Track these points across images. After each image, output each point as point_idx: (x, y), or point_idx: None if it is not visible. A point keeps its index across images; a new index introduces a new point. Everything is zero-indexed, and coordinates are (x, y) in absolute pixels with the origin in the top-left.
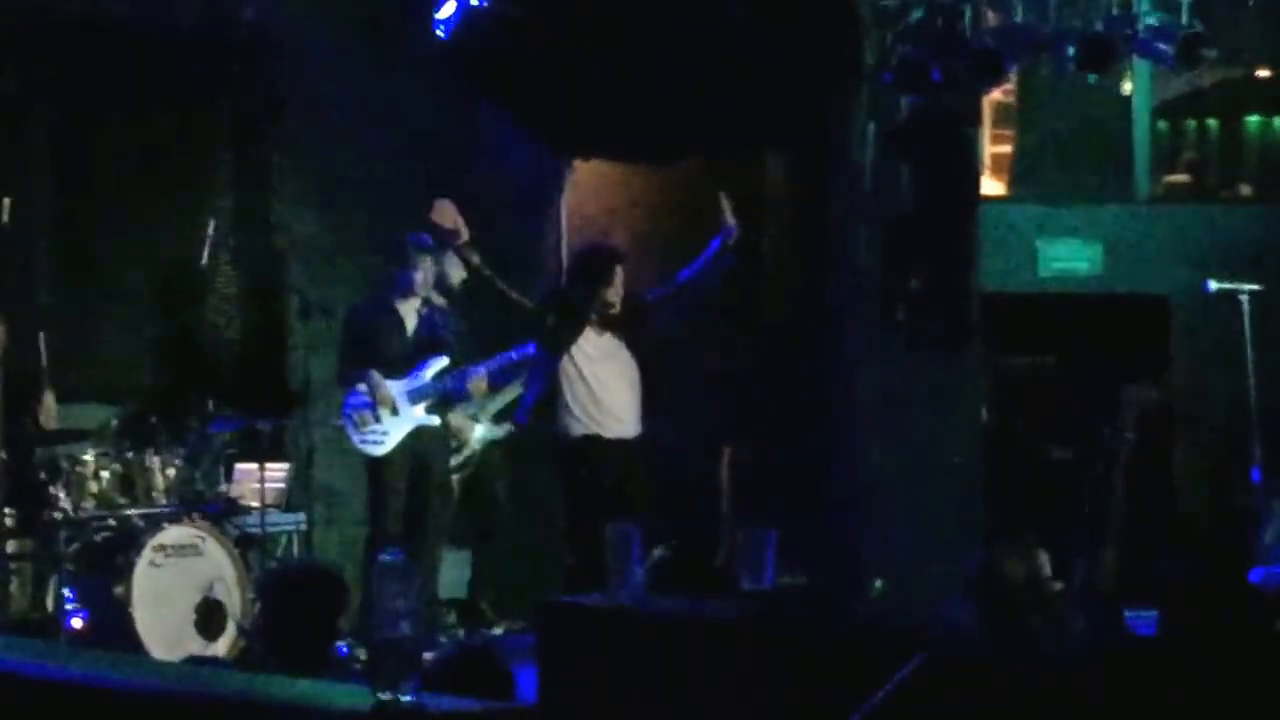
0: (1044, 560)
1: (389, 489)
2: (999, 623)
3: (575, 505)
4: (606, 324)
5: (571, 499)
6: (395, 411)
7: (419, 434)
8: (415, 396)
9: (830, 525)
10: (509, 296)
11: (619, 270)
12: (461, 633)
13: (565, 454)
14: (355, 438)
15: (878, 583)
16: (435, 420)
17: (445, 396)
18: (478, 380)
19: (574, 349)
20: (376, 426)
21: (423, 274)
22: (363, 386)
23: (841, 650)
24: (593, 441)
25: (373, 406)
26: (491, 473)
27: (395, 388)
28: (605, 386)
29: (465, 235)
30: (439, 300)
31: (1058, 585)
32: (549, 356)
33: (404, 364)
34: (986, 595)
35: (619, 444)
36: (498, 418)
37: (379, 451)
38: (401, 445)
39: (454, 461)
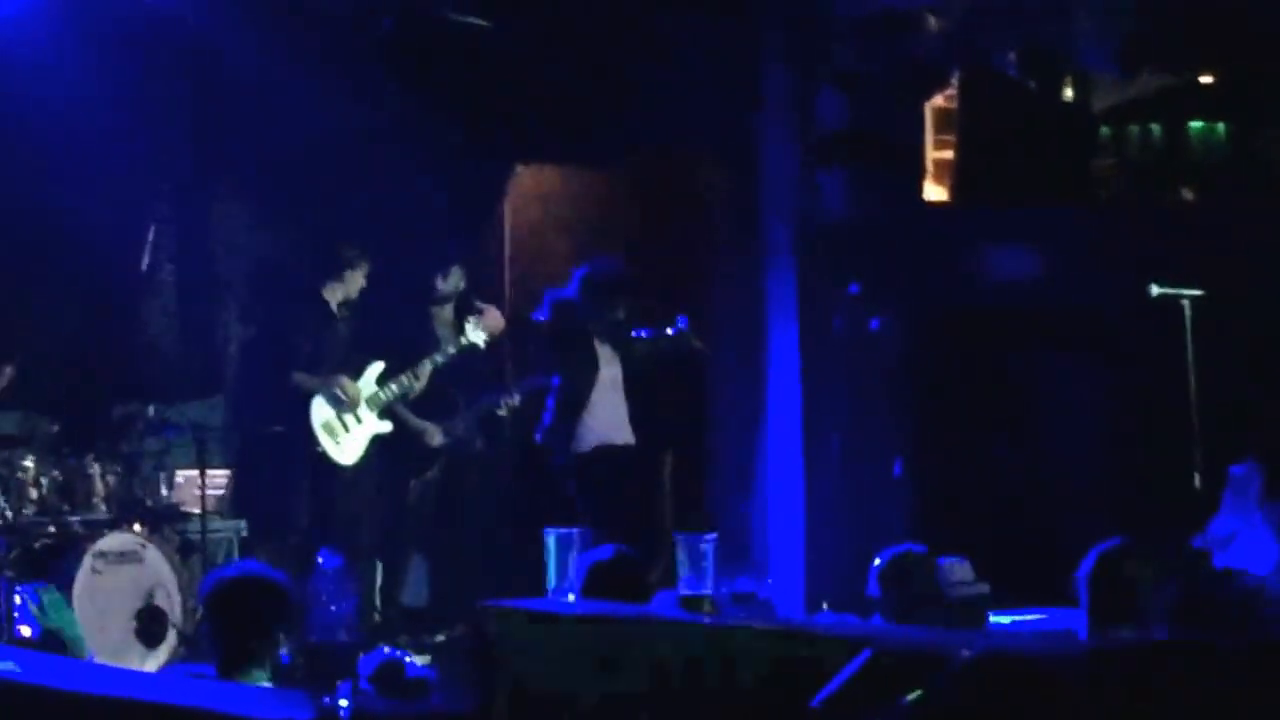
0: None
1: (337, 495)
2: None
3: (595, 513)
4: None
5: (589, 507)
6: (359, 418)
7: (373, 441)
8: (370, 403)
9: (767, 529)
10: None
11: (631, 289)
12: (405, 639)
13: (583, 464)
14: (327, 444)
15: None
16: (388, 427)
17: (395, 401)
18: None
19: (591, 364)
20: (345, 435)
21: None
22: (336, 391)
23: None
24: (608, 450)
25: (338, 412)
26: (455, 481)
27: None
28: (611, 397)
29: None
30: (448, 320)
31: (982, 588)
32: (564, 376)
33: (342, 368)
34: (891, 597)
35: (627, 449)
36: (467, 429)
37: (348, 459)
38: (362, 453)
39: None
